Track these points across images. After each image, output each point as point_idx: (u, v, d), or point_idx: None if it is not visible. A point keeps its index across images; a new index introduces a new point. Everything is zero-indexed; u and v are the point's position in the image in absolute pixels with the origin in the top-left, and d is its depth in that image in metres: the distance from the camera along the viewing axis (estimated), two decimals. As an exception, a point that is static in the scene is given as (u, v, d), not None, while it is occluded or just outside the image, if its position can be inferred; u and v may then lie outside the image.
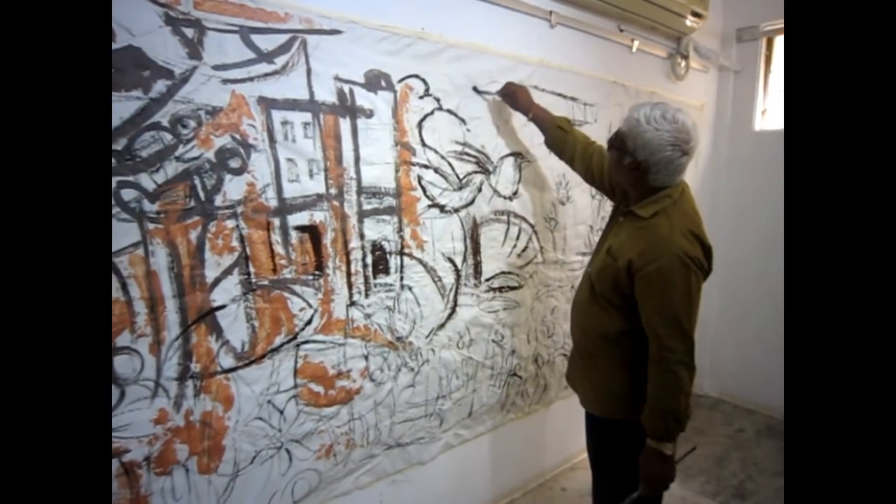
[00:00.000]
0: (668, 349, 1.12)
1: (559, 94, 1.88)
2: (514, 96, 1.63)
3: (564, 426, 2.24)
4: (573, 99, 1.93)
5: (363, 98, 1.35)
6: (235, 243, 1.19)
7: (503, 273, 1.77)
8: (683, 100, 2.53)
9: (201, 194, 1.13)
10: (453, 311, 1.64)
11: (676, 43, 2.41)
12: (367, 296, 1.42)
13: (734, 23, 2.72)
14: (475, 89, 1.62)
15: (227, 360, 1.21)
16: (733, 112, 2.82)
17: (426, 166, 1.50)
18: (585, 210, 2.04)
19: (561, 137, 1.60)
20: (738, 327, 2.90)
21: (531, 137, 1.79)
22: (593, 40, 2.02)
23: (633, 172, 1.18)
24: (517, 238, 1.79)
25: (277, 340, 1.28)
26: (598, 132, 2.05)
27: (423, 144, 1.49)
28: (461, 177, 1.59)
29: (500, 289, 1.77)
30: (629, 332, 1.21)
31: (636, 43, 2.19)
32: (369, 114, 1.36)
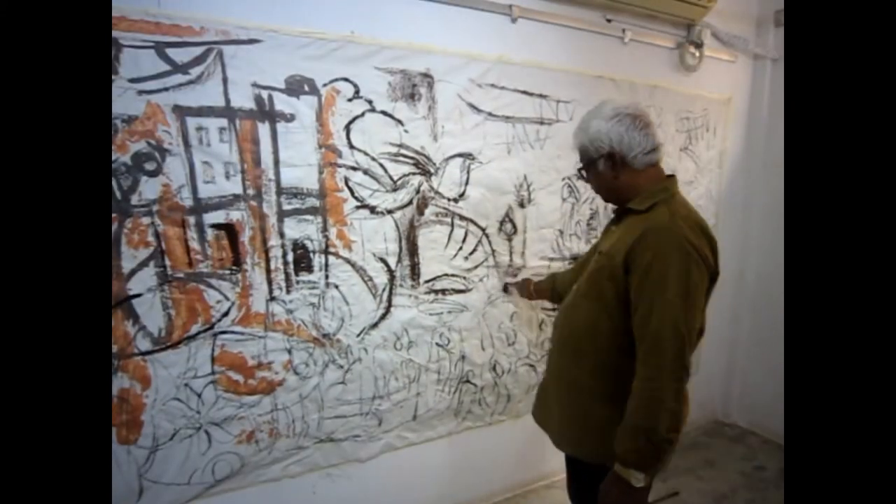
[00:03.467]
0: (655, 352, 0.98)
1: (524, 92, 1.80)
2: (517, 290, 1.82)
3: (539, 440, 2.12)
4: (542, 96, 1.83)
5: (283, 103, 1.41)
6: (151, 238, 1.31)
7: (447, 275, 1.74)
8: (702, 93, 2.29)
9: (118, 194, 1.26)
10: (388, 311, 1.64)
11: (686, 30, 2.18)
12: (288, 292, 1.49)
13: (772, 4, 2.39)
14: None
15: (144, 344, 1.33)
16: (771, 105, 2.47)
17: (354, 168, 1.53)
18: (553, 213, 1.92)
19: (551, 280, 1.65)
20: (773, 349, 2.53)
21: (485, 137, 1.73)
22: (571, 32, 1.90)
23: (615, 169, 1.13)
24: (463, 241, 1.74)
25: (194, 329, 1.39)
26: (576, 131, 1.93)
27: (351, 146, 1.51)
28: (395, 178, 1.59)
29: (444, 291, 1.74)
30: (627, 354, 1.06)
31: (629, 33, 2.02)
32: (290, 118, 1.42)
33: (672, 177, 1.16)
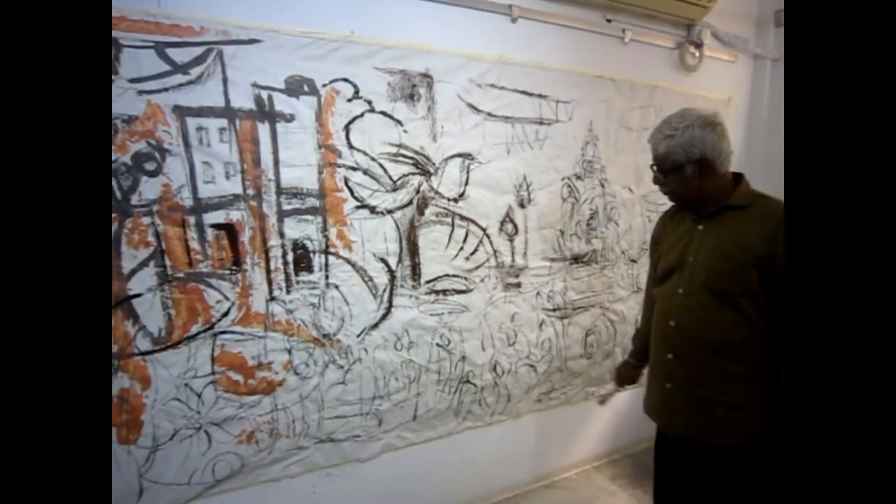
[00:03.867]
0: None
1: (523, 92, 1.80)
2: (620, 377, 1.65)
3: (540, 441, 2.14)
4: (541, 96, 1.83)
5: (283, 103, 1.41)
6: (151, 238, 1.31)
7: (448, 276, 1.73)
8: (701, 93, 2.29)
9: (118, 194, 1.26)
10: (388, 311, 1.64)
11: (686, 30, 2.18)
12: (288, 292, 1.49)
13: (772, 4, 2.39)
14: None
15: (144, 344, 1.34)
16: (771, 105, 2.47)
17: (354, 168, 1.53)
18: (553, 213, 1.92)
19: (642, 341, 1.54)
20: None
21: (484, 138, 1.74)
22: (571, 33, 1.90)
23: (702, 173, 1.20)
24: (464, 241, 1.74)
25: (194, 329, 1.39)
26: (576, 130, 1.94)
27: (351, 146, 1.51)
28: (395, 178, 1.59)
29: (445, 291, 1.74)
30: (766, 333, 1.18)
31: (629, 33, 2.02)
32: (290, 118, 1.42)
33: (741, 174, 1.25)
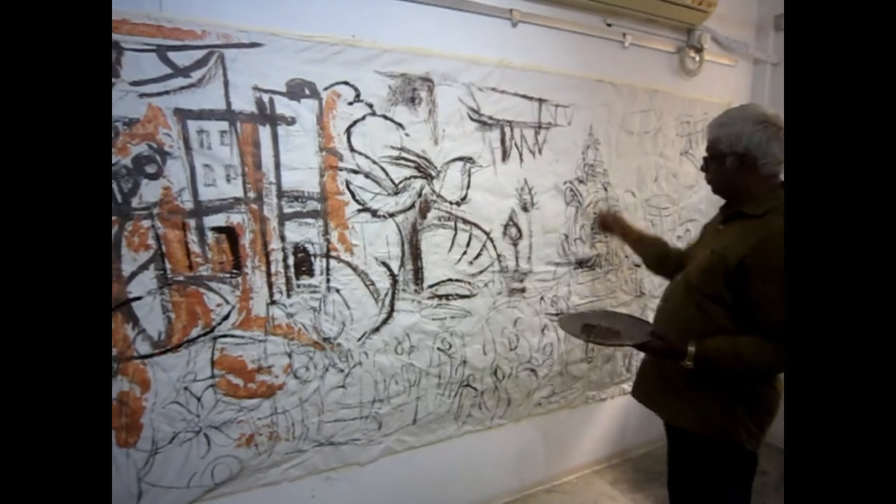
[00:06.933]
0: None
1: (523, 96, 1.80)
2: (610, 225, 1.74)
3: (540, 445, 2.13)
4: (541, 100, 1.83)
5: (284, 106, 1.41)
6: (151, 241, 1.31)
7: (451, 280, 1.73)
8: (702, 97, 2.29)
9: (118, 196, 1.26)
10: (390, 315, 1.64)
11: (686, 35, 2.18)
12: (289, 295, 1.48)
13: (771, 9, 2.40)
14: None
15: (143, 347, 1.33)
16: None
17: (355, 171, 1.53)
18: (557, 217, 1.92)
19: (662, 248, 1.63)
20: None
21: (485, 141, 1.73)
22: (571, 37, 1.90)
23: (741, 170, 1.20)
24: (468, 245, 1.74)
25: (194, 332, 1.38)
26: (576, 134, 1.94)
27: (352, 150, 1.51)
28: (397, 182, 1.59)
29: (447, 296, 1.73)
30: (732, 332, 1.19)
31: (629, 37, 2.02)
32: (291, 121, 1.43)
33: (784, 183, 1.22)
